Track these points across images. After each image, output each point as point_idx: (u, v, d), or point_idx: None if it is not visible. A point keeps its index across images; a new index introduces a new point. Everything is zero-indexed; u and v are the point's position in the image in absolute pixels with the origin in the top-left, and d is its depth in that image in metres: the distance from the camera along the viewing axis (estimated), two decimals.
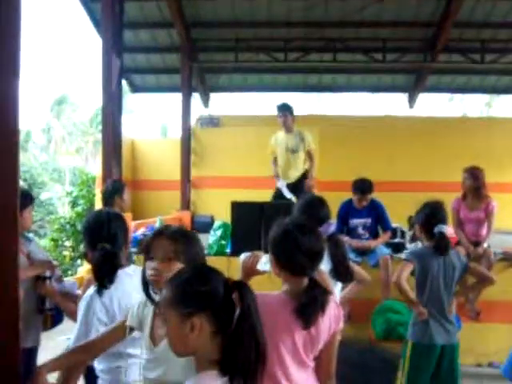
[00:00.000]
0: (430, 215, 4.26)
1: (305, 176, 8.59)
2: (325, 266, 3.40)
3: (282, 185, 8.54)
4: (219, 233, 6.98)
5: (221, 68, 12.89)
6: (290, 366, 2.51)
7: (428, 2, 10.54)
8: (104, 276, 2.89)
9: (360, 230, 6.89)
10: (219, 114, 13.40)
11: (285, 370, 2.50)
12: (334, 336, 2.64)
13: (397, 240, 7.46)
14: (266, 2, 10.62)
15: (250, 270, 2.82)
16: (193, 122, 12.60)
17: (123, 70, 12.45)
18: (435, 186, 10.66)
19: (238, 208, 6.92)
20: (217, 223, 7.22)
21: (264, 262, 2.79)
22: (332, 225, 3.74)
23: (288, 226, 2.61)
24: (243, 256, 2.90)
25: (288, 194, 8.34)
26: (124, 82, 13.22)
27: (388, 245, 6.93)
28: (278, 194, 8.52)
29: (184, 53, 11.31)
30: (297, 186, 8.47)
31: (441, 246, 4.13)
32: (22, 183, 26.77)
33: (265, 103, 29.62)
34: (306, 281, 2.56)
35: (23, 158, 33.70)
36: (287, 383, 2.50)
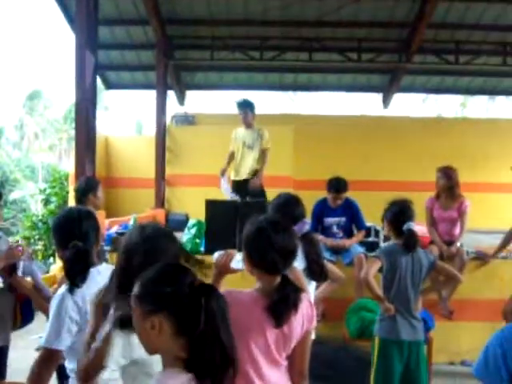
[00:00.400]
0: (399, 213, 4.30)
1: (255, 175, 8.51)
2: (299, 264, 3.39)
3: (224, 186, 8.49)
4: (193, 231, 6.95)
5: (197, 66, 12.86)
6: (263, 364, 2.50)
7: (403, 3, 10.60)
8: (76, 274, 2.85)
9: (334, 229, 6.90)
10: (194, 112, 13.37)
11: (257, 369, 2.49)
12: (306, 334, 2.63)
13: (371, 239, 7.52)
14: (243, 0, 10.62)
15: (224, 268, 2.80)
16: (168, 119, 12.55)
17: (98, 66, 12.47)
18: (410, 186, 10.73)
19: (212, 206, 6.90)
20: (191, 221, 7.19)
21: (238, 260, 2.79)
22: (306, 223, 3.74)
23: (261, 224, 2.60)
24: (217, 254, 2.89)
25: (229, 195, 8.30)
26: (98, 79, 13.17)
27: (362, 244, 6.96)
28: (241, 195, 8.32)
29: (159, 50, 11.25)
30: (245, 185, 8.39)
31: (409, 243, 4.17)
32: None
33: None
34: (278, 279, 2.55)
35: None
36: (260, 382, 2.49)
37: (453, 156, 9.72)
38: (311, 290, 3.73)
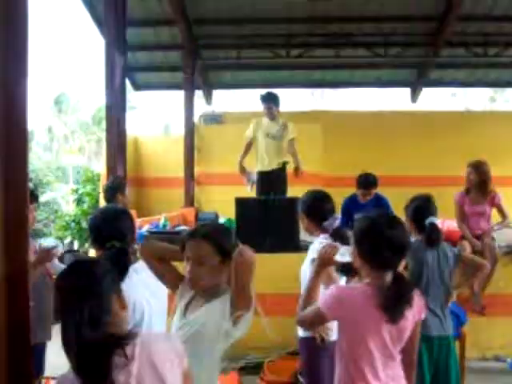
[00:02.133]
0: (419, 209, 4.29)
1: (283, 169, 8.41)
2: None
3: (251, 178, 8.42)
4: None
5: (223, 65, 12.89)
6: (380, 361, 2.55)
7: None
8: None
9: None
10: (222, 111, 13.42)
11: (374, 367, 2.54)
12: (416, 325, 2.69)
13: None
14: None
15: (328, 261, 2.90)
16: (196, 119, 12.63)
17: (126, 67, 12.59)
18: (439, 180, 10.70)
19: (241, 204, 6.95)
20: (221, 219, 7.25)
21: (341, 253, 2.91)
22: (337, 219, 3.77)
23: (375, 219, 2.65)
24: (318, 245, 3.06)
25: (248, 187, 8.31)
26: (127, 80, 13.30)
27: None
28: (262, 187, 8.38)
29: (186, 50, 11.32)
30: (271, 178, 8.29)
31: (432, 237, 4.16)
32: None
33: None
34: (389, 275, 2.58)
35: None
36: (376, 381, 2.55)
37: (482, 150, 9.60)
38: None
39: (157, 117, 41.23)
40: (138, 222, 7.96)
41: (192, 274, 2.60)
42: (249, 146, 8.57)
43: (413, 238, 4.46)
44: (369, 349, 2.51)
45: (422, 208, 4.30)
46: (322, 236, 3.76)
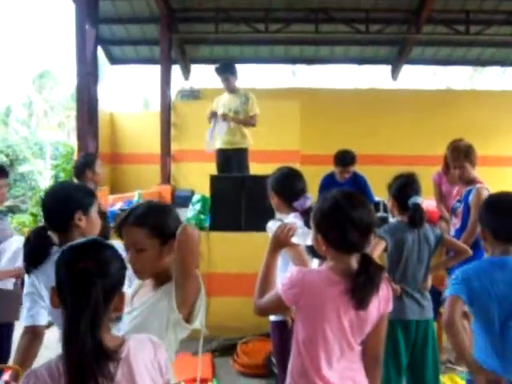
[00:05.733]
0: (403, 187, 4.11)
1: (244, 151, 8.03)
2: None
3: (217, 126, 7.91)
4: (198, 207, 6.85)
5: (201, 39, 12.61)
6: (335, 349, 2.36)
7: None
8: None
9: None
10: (200, 87, 13.17)
11: (330, 355, 2.36)
12: (382, 318, 2.47)
13: (380, 214, 7.37)
14: None
15: (284, 242, 2.66)
16: (173, 94, 12.39)
17: (102, 41, 12.30)
18: (419, 160, 10.59)
19: (217, 181, 6.79)
20: (195, 197, 7.08)
21: (299, 234, 2.66)
22: (309, 198, 3.59)
23: (337, 199, 2.41)
24: (272, 225, 2.78)
25: (209, 137, 7.86)
26: (103, 54, 13.00)
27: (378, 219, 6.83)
28: (222, 165, 8.05)
29: (163, 23, 11.04)
30: (230, 158, 7.92)
31: (415, 218, 3.97)
32: (4, 158, 26.55)
33: (246, 75, 29.28)
34: (355, 258, 2.38)
35: (5, 132, 33.20)
36: (329, 368, 2.37)
37: (462, 129, 9.49)
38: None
39: (136, 92, 40.79)
40: (110, 199, 7.78)
41: (133, 263, 2.40)
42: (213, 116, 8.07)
43: (395, 218, 4.33)
44: (326, 336, 2.33)
45: (406, 187, 4.12)
46: (292, 215, 3.60)
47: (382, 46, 13.20)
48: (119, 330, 2.38)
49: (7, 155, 27.38)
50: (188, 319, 2.38)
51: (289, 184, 3.74)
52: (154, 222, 2.42)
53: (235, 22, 11.44)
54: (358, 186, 6.74)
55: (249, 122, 7.95)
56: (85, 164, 5.51)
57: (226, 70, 7.93)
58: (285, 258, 3.39)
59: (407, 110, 12.07)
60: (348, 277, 2.33)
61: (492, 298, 2.85)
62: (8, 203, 24.55)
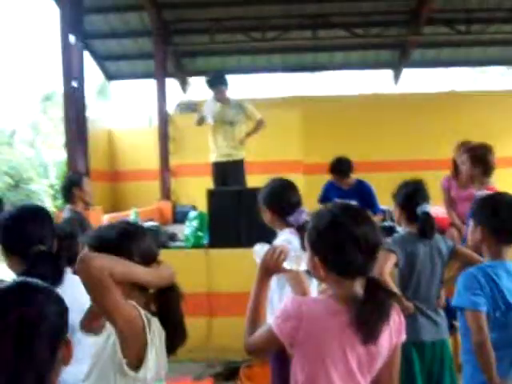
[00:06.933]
0: (410, 195, 3.75)
1: (241, 162, 7.75)
2: None
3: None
4: (195, 223, 6.51)
5: (197, 51, 12.41)
6: None
7: None
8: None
9: None
10: (199, 99, 12.92)
11: None
12: (395, 350, 2.10)
13: (387, 223, 7.03)
14: None
15: (274, 269, 2.27)
16: (172, 108, 12.17)
17: (96, 56, 12.11)
18: (426, 164, 10.34)
19: (214, 196, 6.45)
20: (192, 213, 6.76)
21: (293, 257, 2.25)
22: (304, 212, 3.27)
23: (336, 214, 2.06)
24: (259, 248, 2.34)
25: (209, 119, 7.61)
26: (99, 70, 12.82)
27: (383, 228, 6.50)
28: (220, 179, 7.79)
29: (157, 36, 10.80)
30: (227, 171, 7.67)
31: (426, 228, 3.62)
32: (9, 180, 26.50)
33: (244, 86, 29.02)
34: (359, 282, 2.01)
35: (10, 154, 33.13)
36: None
37: (468, 131, 9.21)
38: (313, 290, 3.26)
39: (141, 108, 40.61)
40: (105, 218, 7.49)
41: None
42: (201, 121, 7.88)
43: (402, 229, 4.00)
44: (330, 378, 1.97)
45: (413, 194, 3.78)
46: (287, 230, 3.29)
47: (382, 50, 12.95)
48: None
49: (12, 176, 27.35)
50: (137, 365, 1.95)
51: (282, 197, 3.43)
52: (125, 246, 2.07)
53: (231, 32, 11.19)
54: (362, 194, 6.43)
55: (259, 127, 7.76)
56: (71, 183, 5.23)
57: (221, 82, 7.65)
58: (280, 281, 3.09)
59: (411, 114, 11.75)
60: (352, 305, 1.97)
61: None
62: None
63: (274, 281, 3.05)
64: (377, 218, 6.40)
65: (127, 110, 40.92)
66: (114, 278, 1.87)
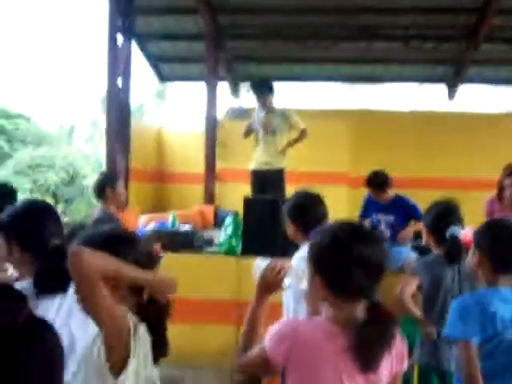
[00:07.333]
0: (440, 216, 3.65)
1: (280, 172, 7.69)
2: None
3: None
4: (230, 230, 6.47)
5: (250, 57, 12.36)
6: None
7: None
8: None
9: (382, 227, 6.34)
10: (249, 106, 12.89)
11: None
12: (396, 379, 2.00)
13: (424, 243, 6.85)
14: None
15: (274, 285, 2.22)
16: (223, 113, 12.21)
17: (150, 58, 12.23)
18: (476, 184, 10.05)
19: (251, 204, 6.42)
20: (228, 219, 6.72)
21: (294, 274, 2.25)
22: None
23: (338, 232, 1.98)
24: (260, 263, 2.29)
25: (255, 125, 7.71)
26: (152, 71, 12.94)
27: (415, 248, 6.33)
28: (258, 187, 7.75)
29: (209, 40, 10.77)
30: (268, 179, 7.59)
31: (453, 251, 3.49)
32: (65, 175, 27.11)
33: (296, 94, 28.84)
34: (361, 305, 1.94)
35: (68, 150, 33.88)
36: None
37: None
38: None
39: (193, 111, 40.98)
40: (143, 219, 7.52)
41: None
42: (250, 132, 8.00)
43: (431, 252, 3.88)
44: None
45: (443, 216, 3.68)
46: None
47: (438, 65, 12.64)
48: None
49: (67, 172, 27.99)
50: (120, 371, 1.89)
51: (306, 210, 3.36)
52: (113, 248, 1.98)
53: (284, 39, 11.11)
54: (401, 207, 6.29)
55: (301, 138, 7.73)
56: (105, 182, 5.23)
57: (263, 87, 7.64)
58: (296, 294, 3.01)
59: (463, 133, 11.43)
60: (351, 329, 1.87)
61: None
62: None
63: (290, 293, 2.98)
64: (420, 224, 6.23)
65: (183, 112, 41.47)
66: (107, 275, 1.82)
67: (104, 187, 5.16)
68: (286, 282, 2.20)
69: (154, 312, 2.05)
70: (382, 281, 1.97)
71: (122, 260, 1.95)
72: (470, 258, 2.89)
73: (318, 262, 1.99)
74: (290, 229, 3.47)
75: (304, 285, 2.15)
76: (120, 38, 6.37)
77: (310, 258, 2.03)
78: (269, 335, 1.99)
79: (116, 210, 5.24)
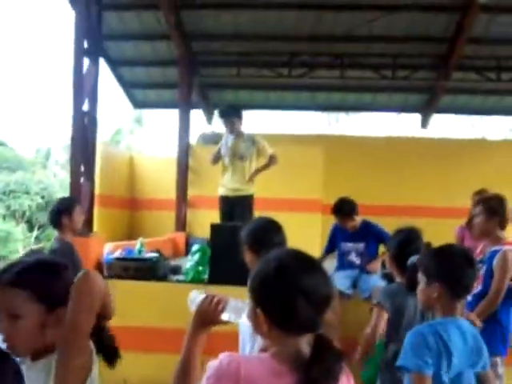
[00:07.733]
0: (402, 245, 3.57)
1: (248, 198, 7.57)
2: None
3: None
4: (196, 257, 6.34)
5: (224, 83, 12.34)
6: None
7: (440, 16, 9.88)
8: None
9: (353, 257, 6.25)
10: (222, 132, 12.82)
11: None
12: None
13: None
14: (270, 14, 10.04)
15: (211, 321, 2.08)
16: (195, 138, 12.15)
17: (124, 84, 12.14)
18: (449, 212, 10.09)
19: (216, 231, 6.30)
20: (195, 247, 6.60)
21: (233, 308, 2.06)
22: None
23: (282, 261, 1.82)
24: (196, 296, 2.14)
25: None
26: (125, 98, 12.84)
27: (384, 276, 6.25)
28: (226, 214, 7.62)
29: (182, 66, 10.73)
30: (234, 206, 7.47)
31: (413, 280, 3.40)
32: (40, 200, 26.75)
33: (270, 121, 28.91)
34: (305, 339, 1.76)
35: (43, 175, 33.58)
36: None
37: (496, 181, 8.94)
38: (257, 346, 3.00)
39: (166, 137, 40.91)
40: (108, 247, 7.35)
41: (5, 333, 1.85)
42: (218, 159, 7.89)
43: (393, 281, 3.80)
44: None
45: (405, 244, 3.59)
46: None
47: (410, 94, 12.72)
48: None
49: (42, 197, 27.73)
50: None
51: (264, 237, 3.25)
52: (39, 282, 1.89)
53: (257, 66, 11.10)
54: (370, 234, 6.20)
55: (270, 164, 7.58)
56: (60, 210, 4.98)
57: (234, 113, 7.54)
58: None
59: (436, 160, 11.46)
60: (297, 366, 1.72)
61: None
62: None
63: (246, 328, 2.83)
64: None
65: (156, 138, 41.29)
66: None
67: (60, 215, 4.92)
68: (224, 316, 2.07)
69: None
70: (326, 312, 1.81)
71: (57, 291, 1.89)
72: (422, 293, 2.83)
73: (259, 292, 1.83)
74: (247, 256, 3.36)
75: (243, 319, 2.01)
76: (86, 62, 6.22)
77: (250, 288, 1.86)
78: (208, 373, 1.77)
79: (72, 237, 5.02)
